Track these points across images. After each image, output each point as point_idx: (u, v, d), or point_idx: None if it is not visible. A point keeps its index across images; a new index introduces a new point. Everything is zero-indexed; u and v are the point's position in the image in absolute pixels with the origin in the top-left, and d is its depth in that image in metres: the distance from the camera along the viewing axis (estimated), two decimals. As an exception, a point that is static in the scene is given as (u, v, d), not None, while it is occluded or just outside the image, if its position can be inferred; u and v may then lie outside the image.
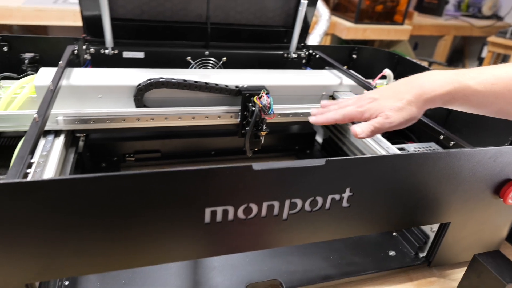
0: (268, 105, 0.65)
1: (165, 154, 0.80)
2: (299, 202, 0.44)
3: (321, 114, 0.60)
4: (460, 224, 0.54)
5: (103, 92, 0.64)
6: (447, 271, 0.59)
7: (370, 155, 0.55)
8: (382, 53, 0.98)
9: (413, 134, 0.83)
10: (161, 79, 0.64)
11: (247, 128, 0.68)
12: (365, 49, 0.99)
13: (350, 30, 2.12)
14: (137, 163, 0.78)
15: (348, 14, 2.23)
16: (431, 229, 0.58)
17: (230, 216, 0.42)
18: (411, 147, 0.73)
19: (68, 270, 0.40)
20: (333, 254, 0.59)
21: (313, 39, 1.95)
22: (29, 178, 0.41)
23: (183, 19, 0.80)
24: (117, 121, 0.63)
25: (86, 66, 0.76)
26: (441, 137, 0.57)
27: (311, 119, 0.60)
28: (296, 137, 0.87)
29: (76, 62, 0.76)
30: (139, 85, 0.64)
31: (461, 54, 3.08)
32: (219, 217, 0.42)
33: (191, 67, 0.81)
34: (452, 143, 0.56)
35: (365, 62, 0.99)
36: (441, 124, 0.62)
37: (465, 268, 0.52)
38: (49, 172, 0.51)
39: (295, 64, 0.88)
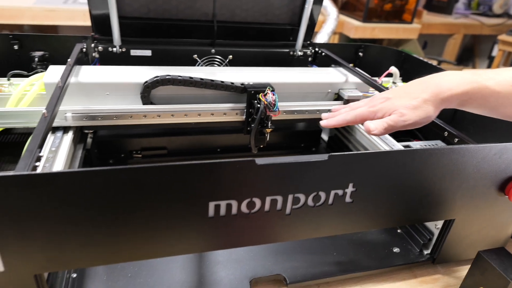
0: (273, 102, 0.66)
1: (172, 151, 0.81)
2: (302, 197, 0.44)
3: (332, 117, 0.59)
4: (465, 221, 0.54)
5: (110, 89, 0.65)
6: (452, 268, 0.59)
7: (372, 151, 0.55)
8: (388, 51, 0.98)
9: (419, 132, 0.83)
10: (167, 77, 0.65)
11: (252, 125, 0.68)
12: (372, 47, 0.99)
13: (358, 29, 2.11)
14: (144, 160, 0.79)
15: (356, 13, 2.22)
16: (435, 226, 0.58)
17: (234, 210, 0.43)
18: (417, 145, 0.72)
19: (75, 262, 0.41)
20: (337, 250, 0.59)
21: (321, 38, 1.95)
22: (38, 171, 0.42)
23: (189, 17, 0.81)
24: (124, 118, 0.64)
25: (95, 64, 0.77)
26: (446, 134, 0.57)
27: (322, 123, 0.59)
28: (302, 134, 0.87)
29: (84, 60, 0.78)
30: (146, 82, 0.65)
31: (471, 52, 3.05)
32: (222, 211, 0.42)
33: (198, 65, 0.82)
34: (456, 140, 0.56)
35: (371, 60, 0.99)
36: (448, 122, 0.62)
37: (470, 266, 0.52)
38: (58, 167, 0.52)
39: (301, 62, 0.88)
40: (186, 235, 0.43)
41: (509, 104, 0.50)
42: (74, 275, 0.51)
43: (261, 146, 0.72)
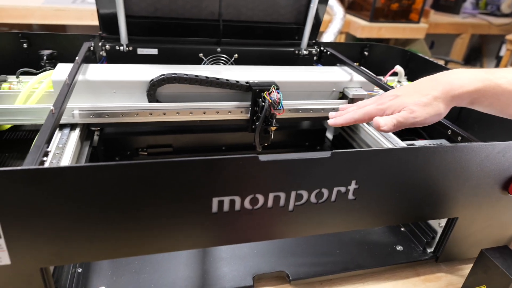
0: (278, 101, 0.66)
1: (177, 149, 0.81)
2: (305, 193, 0.45)
3: (339, 116, 0.58)
4: (468, 219, 0.54)
5: (117, 87, 0.66)
6: (455, 267, 0.59)
7: (375, 148, 0.55)
8: (394, 50, 0.98)
9: (424, 131, 0.83)
10: (173, 75, 0.66)
11: (257, 123, 0.69)
12: (377, 46, 0.99)
13: (364, 28, 2.11)
14: (150, 157, 0.80)
15: (363, 12, 2.22)
16: (439, 225, 0.58)
17: (237, 206, 0.43)
18: (421, 144, 0.72)
19: (81, 256, 0.42)
20: (340, 248, 0.59)
21: (327, 37, 1.95)
22: (45, 166, 0.43)
23: (195, 17, 0.82)
24: (131, 115, 0.65)
25: (102, 62, 0.78)
26: (449, 132, 0.57)
27: (330, 122, 0.58)
28: (307, 133, 0.88)
29: (92, 58, 0.79)
30: (152, 80, 0.66)
31: (479, 52, 3.03)
32: (226, 207, 0.43)
33: (203, 64, 0.83)
34: (460, 138, 0.56)
35: (377, 59, 0.99)
36: (453, 121, 0.62)
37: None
38: (65, 163, 0.53)
39: (306, 61, 0.89)
40: (190, 230, 0.44)
41: None
42: (80, 270, 0.52)
43: (266, 144, 0.73)
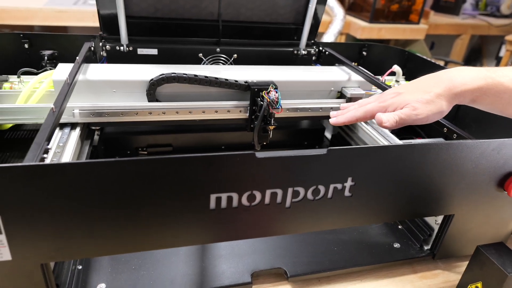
0: (276, 100, 0.67)
1: (177, 148, 0.82)
2: (301, 190, 0.45)
3: (341, 115, 0.58)
4: (464, 216, 0.55)
5: (117, 86, 0.67)
6: (452, 264, 0.60)
7: (371, 145, 0.56)
8: (392, 50, 0.99)
9: (422, 130, 0.84)
10: (172, 74, 0.66)
11: (255, 122, 0.69)
12: (375, 46, 0.99)
13: (365, 29, 2.11)
14: (150, 156, 0.81)
15: (363, 13, 2.23)
16: (435, 222, 0.58)
17: (235, 203, 0.44)
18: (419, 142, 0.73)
19: (80, 252, 0.42)
20: (338, 245, 0.60)
21: (328, 38, 1.96)
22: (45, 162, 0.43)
23: (195, 17, 0.82)
24: (130, 114, 0.65)
25: (102, 62, 0.79)
26: (445, 130, 0.57)
27: (331, 121, 0.58)
28: (305, 132, 0.88)
29: (92, 58, 0.80)
30: (151, 80, 0.66)
31: (479, 53, 3.03)
32: (223, 204, 0.43)
33: (203, 64, 0.83)
34: (455, 135, 0.56)
35: (375, 59, 0.99)
36: (450, 120, 0.62)
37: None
38: (65, 161, 0.54)
39: (305, 61, 0.89)
40: (188, 226, 0.44)
41: None
42: (80, 267, 0.53)
43: (265, 143, 0.73)
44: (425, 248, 0.60)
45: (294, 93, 0.74)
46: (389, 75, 0.82)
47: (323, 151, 0.43)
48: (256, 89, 0.68)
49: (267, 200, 0.45)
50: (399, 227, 0.65)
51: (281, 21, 0.87)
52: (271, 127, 0.70)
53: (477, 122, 0.73)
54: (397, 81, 0.87)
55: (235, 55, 0.85)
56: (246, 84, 0.69)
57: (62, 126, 0.63)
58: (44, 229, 0.39)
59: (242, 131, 0.74)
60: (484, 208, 0.54)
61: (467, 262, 0.53)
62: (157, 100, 0.69)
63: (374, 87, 0.78)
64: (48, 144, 0.44)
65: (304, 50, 0.88)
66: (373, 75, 0.77)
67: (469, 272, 0.53)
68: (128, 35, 0.79)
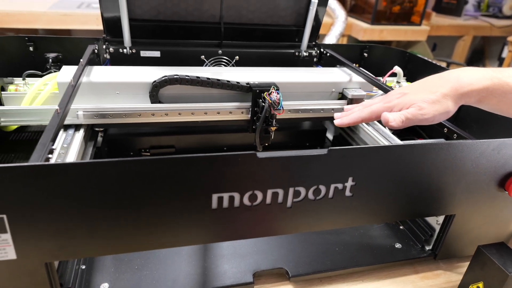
0: (278, 101, 0.67)
1: (179, 149, 0.82)
2: (302, 190, 0.46)
3: (345, 116, 0.58)
4: (465, 216, 0.55)
5: (120, 88, 0.67)
6: (454, 264, 0.60)
7: (371, 145, 0.56)
8: (393, 51, 0.99)
9: (423, 131, 0.84)
10: (175, 76, 0.67)
11: (257, 124, 0.70)
12: (376, 47, 1.00)
13: (366, 31, 2.12)
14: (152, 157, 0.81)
15: (365, 15, 2.23)
16: (436, 222, 0.58)
17: (236, 202, 0.44)
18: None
19: (84, 251, 0.43)
20: (339, 246, 0.60)
21: (329, 40, 1.96)
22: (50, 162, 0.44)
23: (197, 19, 0.83)
24: (133, 116, 0.66)
25: (106, 65, 0.80)
26: (445, 130, 0.58)
27: (336, 122, 0.58)
28: (307, 133, 0.89)
29: (96, 61, 0.81)
30: (154, 81, 0.67)
31: (481, 54, 3.03)
32: (225, 203, 0.44)
33: (205, 66, 0.84)
34: (455, 135, 0.57)
35: (376, 60, 1.00)
36: (451, 120, 0.62)
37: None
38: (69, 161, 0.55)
39: (307, 62, 0.90)
40: (190, 226, 0.45)
41: None
42: (83, 267, 0.53)
43: (266, 144, 0.74)
44: (427, 248, 0.60)
45: (295, 95, 0.74)
46: (390, 76, 0.83)
47: (323, 151, 0.43)
48: (257, 91, 0.69)
49: (268, 200, 0.45)
50: (401, 227, 0.65)
51: (282, 23, 0.88)
52: (273, 128, 0.71)
53: (478, 122, 0.73)
54: (398, 82, 0.87)
55: (237, 57, 0.85)
56: (248, 85, 0.70)
57: (66, 127, 0.64)
58: (48, 228, 0.40)
59: (244, 133, 0.75)
60: (485, 208, 0.55)
61: (468, 263, 0.53)
62: (159, 102, 0.69)
63: (375, 88, 0.78)
64: (53, 145, 0.44)
65: (305, 51, 0.89)
66: (374, 76, 0.78)
67: (470, 272, 0.53)
68: (131, 38, 0.79)
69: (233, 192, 0.43)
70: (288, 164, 0.43)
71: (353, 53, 1.00)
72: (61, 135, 0.61)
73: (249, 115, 0.71)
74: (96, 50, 0.77)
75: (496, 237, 0.59)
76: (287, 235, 0.61)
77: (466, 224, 0.56)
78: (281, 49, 0.88)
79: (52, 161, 0.49)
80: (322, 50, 0.91)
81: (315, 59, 0.91)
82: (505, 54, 2.50)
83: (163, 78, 0.67)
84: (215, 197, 0.43)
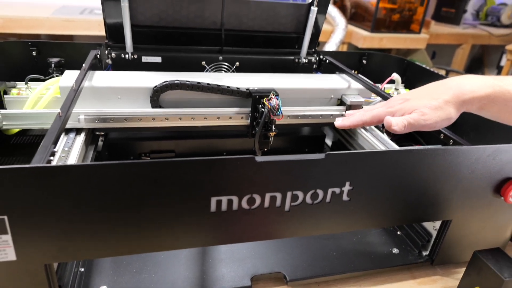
0: (277, 107, 0.68)
1: (179, 154, 0.83)
2: (300, 194, 0.46)
3: (347, 119, 0.58)
4: (462, 222, 0.55)
5: (122, 93, 0.68)
6: (451, 270, 0.60)
7: (368, 150, 0.57)
8: (391, 59, 1.00)
9: (422, 137, 0.84)
10: (176, 81, 0.68)
11: (257, 129, 0.71)
12: (375, 54, 1.01)
13: (366, 39, 2.14)
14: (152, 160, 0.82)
15: (365, 23, 2.25)
16: (433, 227, 0.59)
17: (235, 206, 0.45)
18: (418, 150, 0.74)
19: (83, 253, 0.43)
20: (337, 250, 0.60)
21: (330, 47, 1.98)
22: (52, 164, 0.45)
23: (198, 26, 0.84)
24: (134, 120, 0.67)
25: (108, 70, 0.81)
26: (442, 136, 0.58)
27: (337, 123, 0.58)
28: (306, 139, 0.89)
29: (98, 66, 0.82)
30: (155, 86, 0.68)
31: (480, 62, 3.05)
32: (224, 207, 0.44)
33: (206, 71, 0.85)
34: (451, 141, 0.57)
35: (375, 67, 1.01)
36: (449, 127, 0.63)
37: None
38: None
39: (306, 69, 0.91)
40: (189, 229, 0.45)
41: None
42: (82, 269, 0.54)
43: (265, 149, 0.74)
44: (424, 254, 0.61)
45: (294, 100, 0.75)
46: (388, 83, 0.84)
47: (321, 155, 0.44)
48: (257, 96, 0.69)
49: (266, 203, 0.46)
50: (398, 233, 0.65)
51: (282, 30, 0.89)
52: (272, 134, 0.71)
53: (476, 129, 0.74)
54: (396, 89, 0.88)
55: (237, 63, 0.86)
56: (248, 91, 0.70)
57: (68, 131, 0.64)
58: (48, 230, 0.40)
59: (244, 138, 0.75)
60: (482, 214, 0.55)
61: (465, 268, 0.53)
62: (160, 107, 0.70)
63: (373, 95, 0.79)
64: (55, 147, 0.45)
65: (305, 58, 0.90)
66: (372, 83, 0.78)
67: (466, 278, 0.53)
68: (133, 44, 0.80)
69: (232, 195, 0.44)
70: (286, 168, 0.44)
71: (352, 60, 1.01)
72: (62, 138, 0.62)
73: (249, 121, 0.72)
74: (98, 55, 0.78)
75: (493, 243, 0.59)
76: (285, 240, 0.61)
77: (463, 229, 0.56)
78: (281, 55, 0.90)
79: (54, 163, 0.50)
80: (321, 57, 0.92)
81: (314, 66, 0.92)
82: (503, 62, 2.52)
83: (164, 83, 0.68)
84: (213, 200, 0.44)
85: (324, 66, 0.92)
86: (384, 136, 0.72)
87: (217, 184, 0.43)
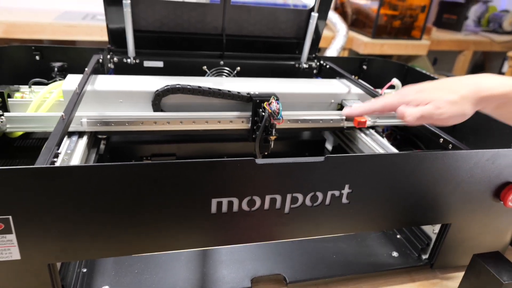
0: (277, 111, 0.69)
1: (180, 157, 0.84)
2: (300, 196, 0.47)
3: (356, 107, 0.56)
4: (461, 226, 0.56)
5: (124, 97, 0.69)
6: (450, 274, 0.60)
7: (367, 153, 0.57)
8: (391, 64, 1.01)
9: (421, 142, 0.85)
10: (177, 86, 0.69)
11: (257, 133, 0.71)
12: (375, 60, 1.02)
13: (367, 45, 2.15)
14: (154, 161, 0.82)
15: (366, 29, 2.26)
16: (433, 231, 0.59)
17: (235, 207, 0.45)
18: (418, 154, 0.74)
19: (85, 253, 0.44)
20: (337, 253, 0.61)
21: (330, 53, 1.99)
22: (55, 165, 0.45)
23: (200, 31, 0.85)
24: (136, 124, 0.67)
25: (110, 74, 0.82)
26: (441, 140, 0.59)
27: (345, 111, 0.56)
28: (306, 143, 0.90)
29: (100, 70, 0.82)
30: (157, 91, 0.69)
31: (482, 69, 3.05)
32: (224, 208, 0.45)
33: (207, 76, 0.86)
34: (450, 146, 0.58)
35: (375, 73, 1.02)
36: (448, 131, 0.63)
37: (466, 269, 0.53)
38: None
39: (307, 74, 0.92)
40: (190, 230, 0.46)
41: None
42: (84, 270, 0.54)
43: (266, 153, 0.75)
44: (423, 257, 0.61)
45: (295, 105, 0.76)
46: (388, 88, 0.84)
47: (321, 158, 0.45)
48: (258, 100, 0.70)
49: (266, 205, 0.46)
50: (398, 236, 0.65)
51: (283, 35, 0.90)
52: (272, 138, 0.72)
53: (475, 133, 0.74)
54: (396, 94, 0.89)
55: (238, 67, 0.87)
56: (249, 95, 0.71)
57: (70, 134, 0.65)
58: (52, 230, 0.41)
59: (244, 141, 0.76)
60: (481, 218, 0.55)
61: (464, 272, 0.54)
62: (162, 111, 0.71)
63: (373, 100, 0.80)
64: (58, 149, 0.46)
65: (305, 63, 0.90)
66: (372, 88, 0.79)
67: (466, 281, 0.53)
68: (135, 48, 0.81)
69: (232, 197, 0.44)
70: (286, 171, 0.45)
71: (352, 66, 1.02)
72: (65, 141, 0.63)
73: (249, 125, 0.72)
74: (100, 60, 0.79)
75: (492, 247, 0.60)
76: (285, 242, 0.62)
77: (462, 233, 0.57)
78: (282, 60, 0.90)
79: (57, 165, 0.51)
80: (322, 62, 0.92)
81: (314, 71, 0.93)
82: (505, 69, 2.53)
83: (165, 87, 0.69)
84: (214, 201, 0.44)
85: (325, 71, 0.93)
86: (384, 141, 0.73)
87: (218, 186, 0.43)
